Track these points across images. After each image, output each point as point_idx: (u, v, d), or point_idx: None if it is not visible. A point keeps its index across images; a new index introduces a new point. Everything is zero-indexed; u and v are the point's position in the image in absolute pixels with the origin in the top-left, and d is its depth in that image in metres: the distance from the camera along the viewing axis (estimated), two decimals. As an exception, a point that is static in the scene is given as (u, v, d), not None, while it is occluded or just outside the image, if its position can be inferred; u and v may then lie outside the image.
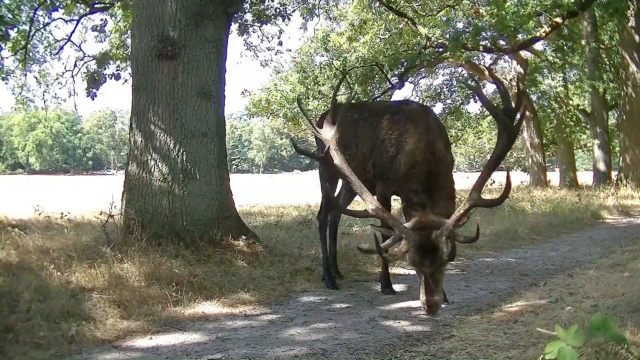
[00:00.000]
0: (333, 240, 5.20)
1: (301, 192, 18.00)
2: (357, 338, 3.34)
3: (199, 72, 5.40)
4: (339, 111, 4.06)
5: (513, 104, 3.81)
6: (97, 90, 12.01)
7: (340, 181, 5.17)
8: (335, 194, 5.26)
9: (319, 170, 5.30)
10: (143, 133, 5.34)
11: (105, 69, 12.13)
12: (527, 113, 18.02)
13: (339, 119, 3.96)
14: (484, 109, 23.44)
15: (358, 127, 4.60)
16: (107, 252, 4.64)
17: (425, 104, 19.46)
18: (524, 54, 18.53)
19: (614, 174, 17.40)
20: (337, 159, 3.84)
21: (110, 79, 12.03)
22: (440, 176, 3.96)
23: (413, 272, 5.33)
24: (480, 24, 13.62)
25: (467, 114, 22.78)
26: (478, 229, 3.54)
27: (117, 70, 12.20)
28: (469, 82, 20.46)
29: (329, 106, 4.90)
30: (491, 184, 11.86)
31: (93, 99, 12.17)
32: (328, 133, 3.94)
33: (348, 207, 5.21)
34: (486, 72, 19.31)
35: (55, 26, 30.45)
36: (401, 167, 4.08)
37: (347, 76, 16.47)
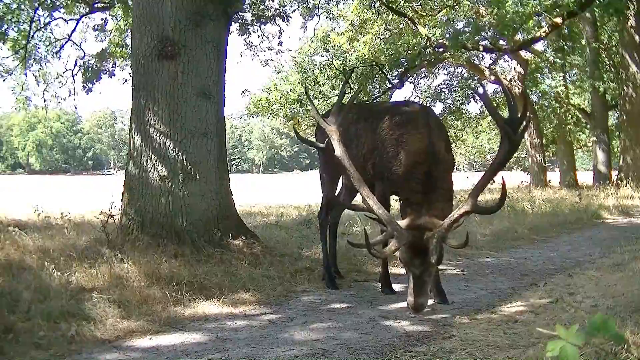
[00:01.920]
0: (333, 240, 5.20)
1: (301, 192, 18.00)
2: (357, 338, 3.34)
3: (199, 72, 5.40)
4: (344, 106, 4.09)
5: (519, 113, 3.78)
6: (93, 84, 12.03)
7: (340, 181, 5.18)
8: (335, 195, 5.26)
9: (319, 170, 5.31)
10: (143, 133, 5.33)
11: (103, 65, 12.14)
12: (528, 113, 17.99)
13: (344, 113, 3.97)
14: (484, 109, 23.46)
15: (359, 128, 4.61)
16: (107, 252, 4.64)
17: (425, 104, 19.48)
18: (524, 54, 18.52)
19: (614, 174, 17.40)
20: (339, 150, 3.85)
21: (105, 74, 12.05)
22: (439, 177, 3.96)
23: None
24: (480, 23, 13.62)
25: (467, 113, 22.80)
26: (467, 236, 3.54)
27: (112, 67, 12.21)
28: (470, 82, 20.50)
29: (330, 106, 4.90)
30: (491, 184, 11.82)
31: (88, 94, 12.19)
32: (332, 124, 3.96)
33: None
34: (486, 72, 19.32)
35: (55, 25, 30.39)
36: (401, 168, 4.08)
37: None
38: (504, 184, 3.61)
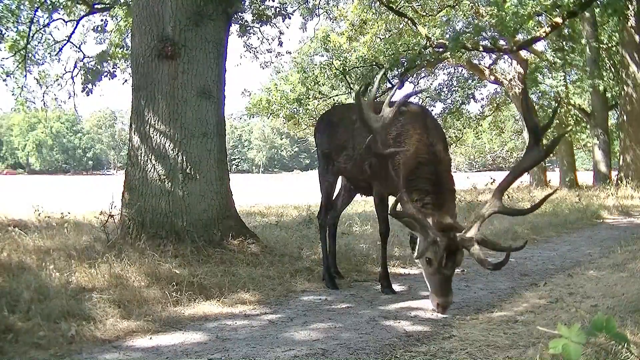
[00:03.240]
0: (333, 240, 5.20)
1: (301, 192, 17.99)
2: (357, 338, 3.34)
3: (199, 72, 5.40)
4: (377, 104, 4.03)
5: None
6: (94, 86, 12.03)
7: (339, 181, 5.18)
8: (334, 195, 5.26)
9: (318, 170, 5.31)
10: (143, 133, 5.34)
11: (102, 67, 12.14)
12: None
13: (394, 114, 3.86)
14: (484, 109, 23.50)
15: (355, 128, 4.59)
16: (107, 252, 4.64)
17: (425, 104, 19.50)
18: (524, 54, 18.52)
19: (614, 174, 17.40)
20: (383, 151, 3.82)
21: (106, 76, 12.05)
22: (443, 177, 3.97)
23: (413, 272, 5.35)
24: (480, 24, 13.65)
25: (467, 113, 22.82)
26: (508, 255, 3.52)
27: (113, 68, 12.22)
28: (470, 82, 20.49)
29: (329, 106, 4.88)
30: (491, 183, 11.84)
31: (88, 95, 12.20)
32: (376, 123, 3.86)
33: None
34: (486, 72, 19.32)
35: (55, 27, 30.40)
36: (400, 168, 4.07)
37: (347, 76, 16.50)
38: (547, 197, 3.82)
